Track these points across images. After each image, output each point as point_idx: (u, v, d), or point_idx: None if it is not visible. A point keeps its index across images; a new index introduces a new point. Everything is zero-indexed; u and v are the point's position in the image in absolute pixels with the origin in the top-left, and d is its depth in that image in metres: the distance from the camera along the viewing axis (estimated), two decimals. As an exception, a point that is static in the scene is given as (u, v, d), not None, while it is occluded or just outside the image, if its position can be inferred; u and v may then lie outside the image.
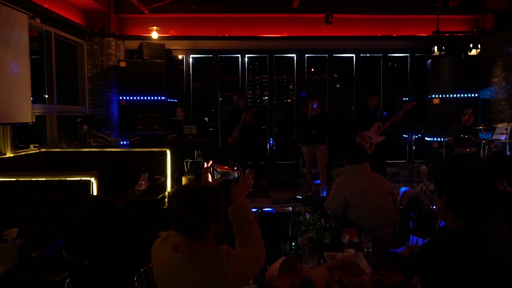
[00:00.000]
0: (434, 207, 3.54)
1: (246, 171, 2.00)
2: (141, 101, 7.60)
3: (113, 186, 2.33)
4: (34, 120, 5.48)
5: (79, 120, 6.90)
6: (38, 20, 5.97)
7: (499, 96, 7.29)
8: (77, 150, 5.71)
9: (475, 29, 7.64)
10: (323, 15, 7.40)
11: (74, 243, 2.26)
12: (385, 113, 6.65)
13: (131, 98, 7.61)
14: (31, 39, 5.40)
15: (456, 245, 1.43)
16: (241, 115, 6.69)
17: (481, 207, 1.48)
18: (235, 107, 7.04)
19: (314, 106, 6.25)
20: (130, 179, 2.41)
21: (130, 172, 2.40)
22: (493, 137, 6.29)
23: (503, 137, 6.09)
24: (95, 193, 3.50)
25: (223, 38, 7.95)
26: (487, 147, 5.88)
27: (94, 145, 6.14)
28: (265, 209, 5.36)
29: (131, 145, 6.66)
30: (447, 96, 7.65)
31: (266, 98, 8.61)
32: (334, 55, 8.40)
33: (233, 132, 6.81)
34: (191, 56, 8.38)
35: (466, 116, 6.50)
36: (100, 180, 2.39)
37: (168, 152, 5.68)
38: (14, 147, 5.25)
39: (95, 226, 2.20)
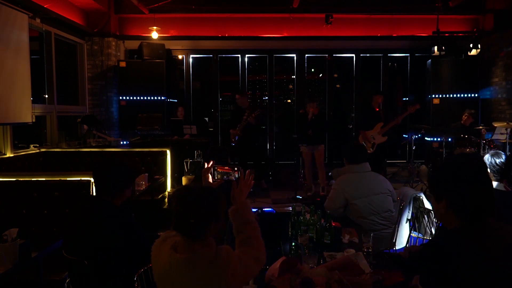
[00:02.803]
0: (434, 207, 3.54)
1: (247, 171, 1.99)
2: (141, 101, 7.59)
3: (108, 186, 2.33)
4: (34, 120, 5.48)
5: (79, 120, 6.90)
6: (38, 20, 5.97)
7: (499, 96, 7.29)
8: (77, 150, 5.71)
9: (475, 29, 7.64)
10: (323, 15, 7.40)
11: (73, 243, 2.26)
12: (387, 112, 6.66)
13: (131, 98, 7.61)
14: (31, 39, 5.40)
15: (458, 246, 1.42)
16: (243, 115, 6.66)
17: (484, 204, 1.47)
18: (237, 107, 7.01)
19: (315, 111, 6.28)
20: (125, 179, 2.40)
21: (124, 173, 2.39)
22: (493, 137, 6.29)
23: (503, 137, 6.09)
24: (95, 193, 3.50)
25: (223, 38, 7.95)
26: (487, 147, 5.88)
27: (94, 145, 6.13)
28: (265, 209, 5.34)
29: (131, 145, 6.67)
30: (447, 96, 7.65)
31: (266, 98, 8.61)
32: (334, 55, 8.40)
33: (232, 131, 6.79)
34: (191, 56, 8.38)
35: (464, 117, 6.54)
36: (95, 181, 2.39)
37: (168, 152, 5.68)
38: (14, 147, 5.25)
39: (94, 226, 2.20)
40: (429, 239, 3.08)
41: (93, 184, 2.47)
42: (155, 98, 7.61)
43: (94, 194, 2.40)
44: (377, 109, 6.54)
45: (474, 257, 1.40)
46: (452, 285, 1.39)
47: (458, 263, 1.38)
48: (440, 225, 2.94)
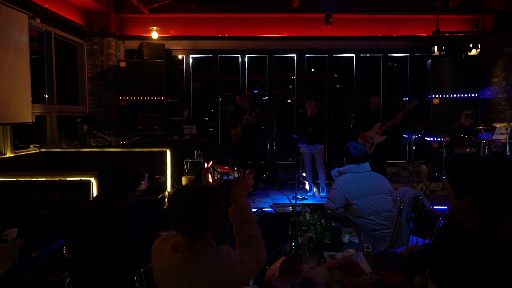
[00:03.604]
0: (434, 207, 3.54)
1: (246, 171, 1.99)
2: (141, 101, 7.59)
3: (114, 188, 2.29)
4: (34, 120, 5.48)
5: (79, 120, 6.90)
6: (38, 20, 5.97)
7: (499, 96, 7.29)
8: (77, 150, 5.70)
9: (475, 29, 7.64)
10: (323, 15, 7.39)
11: (75, 244, 2.26)
12: (385, 112, 6.66)
13: (131, 98, 7.61)
14: (31, 39, 5.39)
15: (478, 243, 1.42)
16: (244, 115, 6.68)
17: (505, 202, 1.48)
18: (238, 107, 7.02)
19: (314, 111, 6.30)
20: (132, 181, 2.35)
21: (132, 174, 2.35)
22: (493, 137, 6.29)
23: (503, 137, 6.09)
24: (95, 193, 3.51)
25: (223, 38, 7.95)
26: (487, 147, 5.88)
27: (94, 145, 6.13)
28: (265, 209, 5.35)
29: (131, 145, 6.66)
30: (447, 96, 7.65)
31: (266, 98, 8.61)
32: (334, 55, 8.40)
33: (233, 131, 6.79)
34: (191, 56, 8.38)
35: (462, 118, 6.55)
36: (101, 181, 2.35)
37: (168, 152, 5.68)
38: (14, 147, 5.25)
39: (96, 227, 2.19)
40: (431, 239, 3.07)
41: (98, 184, 2.42)
42: (155, 98, 7.61)
43: (97, 194, 2.37)
44: (375, 110, 6.55)
45: (493, 254, 1.39)
46: (467, 283, 1.39)
47: (477, 260, 1.38)
48: (441, 224, 2.94)
